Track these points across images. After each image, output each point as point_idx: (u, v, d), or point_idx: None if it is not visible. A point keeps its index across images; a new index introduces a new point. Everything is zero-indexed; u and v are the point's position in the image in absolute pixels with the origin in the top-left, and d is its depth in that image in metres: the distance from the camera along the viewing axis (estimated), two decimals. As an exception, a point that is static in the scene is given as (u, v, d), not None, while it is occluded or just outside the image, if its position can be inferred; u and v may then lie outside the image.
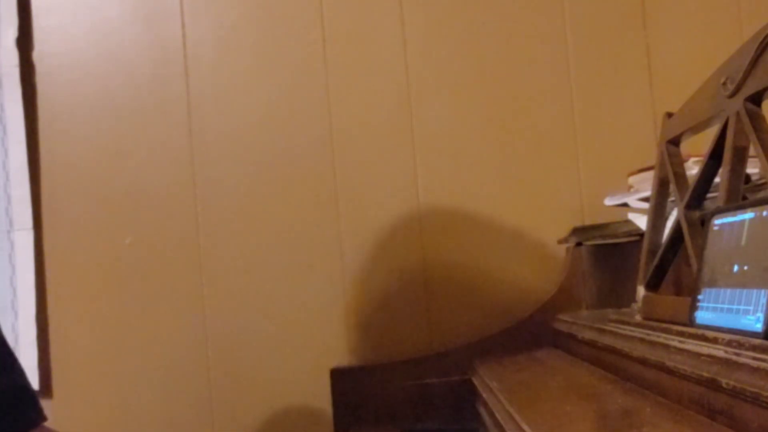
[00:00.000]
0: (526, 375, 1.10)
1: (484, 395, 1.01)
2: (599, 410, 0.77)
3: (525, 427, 0.71)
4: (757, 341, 0.57)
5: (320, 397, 1.41)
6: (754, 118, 0.70)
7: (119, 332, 1.45)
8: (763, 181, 0.82)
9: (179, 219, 1.46)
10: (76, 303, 1.46)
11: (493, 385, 0.97)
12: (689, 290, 0.74)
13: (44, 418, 0.99)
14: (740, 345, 0.58)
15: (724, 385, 0.57)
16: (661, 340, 0.74)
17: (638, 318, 0.89)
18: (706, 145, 0.80)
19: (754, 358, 0.55)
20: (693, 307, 0.70)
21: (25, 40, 1.47)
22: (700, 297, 0.70)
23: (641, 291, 0.91)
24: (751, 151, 0.71)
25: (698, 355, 0.64)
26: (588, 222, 1.39)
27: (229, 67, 1.48)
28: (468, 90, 1.46)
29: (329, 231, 1.45)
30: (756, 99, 0.71)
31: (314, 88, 1.46)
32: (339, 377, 1.39)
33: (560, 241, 1.35)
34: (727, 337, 0.61)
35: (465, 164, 1.46)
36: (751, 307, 0.59)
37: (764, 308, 0.57)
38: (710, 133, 0.80)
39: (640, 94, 1.45)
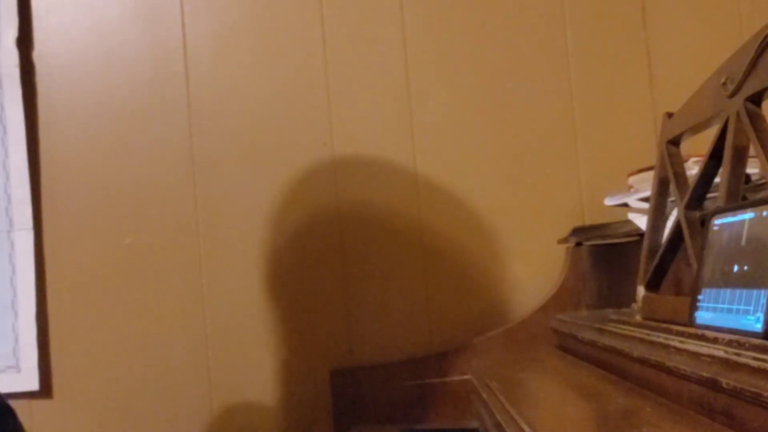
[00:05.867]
0: (526, 375, 1.10)
1: (484, 395, 1.01)
2: (599, 410, 0.77)
3: (525, 427, 0.71)
4: (757, 341, 0.57)
5: (320, 397, 1.42)
6: (754, 118, 0.70)
7: (119, 332, 1.45)
8: (763, 181, 0.82)
9: (179, 219, 1.46)
10: (76, 303, 1.46)
11: (493, 385, 0.97)
12: (689, 290, 0.74)
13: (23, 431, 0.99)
14: (740, 345, 0.58)
15: (724, 385, 0.57)
16: (661, 340, 0.74)
17: (638, 318, 0.89)
18: (706, 145, 0.80)
19: (754, 358, 0.55)
20: (693, 307, 0.70)
21: (25, 40, 1.47)
22: (700, 297, 0.70)
23: (641, 291, 0.91)
24: (751, 151, 0.71)
25: (698, 355, 0.64)
26: (588, 222, 1.39)
27: (229, 67, 1.48)
28: (468, 90, 1.46)
29: (330, 230, 1.45)
30: (756, 99, 0.71)
31: (314, 88, 1.46)
32: (339, 377, 1.39)
33: (560, 241, 1.35)
34: (727, 337, 0.61)
35: (465, 164, 1.45)
36: (751, 307, 0.59)
37: (764, 308, 0.57)
38: (710, 133, 0.80)
39: (640, 94, 1.45)
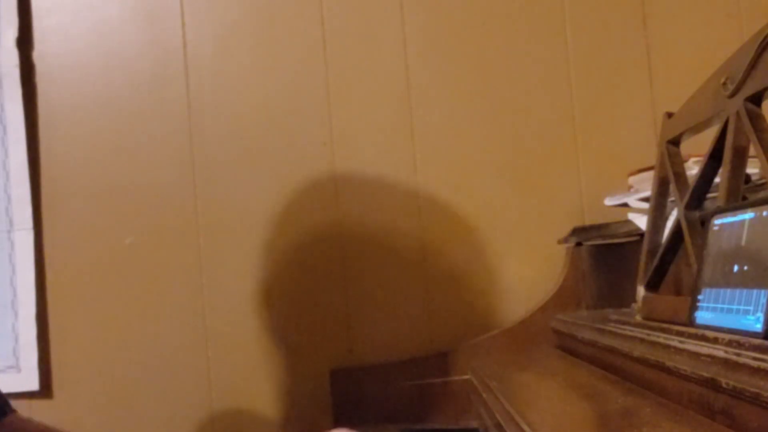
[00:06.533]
0: (526, 375, 1.10)
1: (484, 395, 1.01)
2: (599, 410, 0.77)
3: (525, 427, 0.71)
4: (757, 341, 0.57)
5: (320, 397, 1.42)
6: (754, 118, 0.70)
7: (119, 332, 1.45)
8: (763, 181, 0.82)
9: (179, 219, 1.46)
10: (76, 303, 1.46)
11: (493, 385, 0.97)
12: (689, 290, 0.74)
13: (12, 410, 1.00)
14: (740, 345, 0.58)
15: (724, 385, 0.57)
16: (661, 340, 0.74)
17: (638, 318, 0.89)
18: (706, 145, 0.80)
19: (754, 358, 0.55)
20: (693, 307, 0.70)
21: (25, 40, 1.47)
22: (700, 297, 0.70)
23: (641, 291, 0.91)
24: (751, 151, 0.71)
25: (698, 355, 0.64)
26: (588, 222, 1.39)
27: (229, 67, 1.48)
28: (468, 90, 1.46)
29: (330, 231, 1.45)
30: (756, 99, 0.71)
31: (314, 88, 1.46)
32: (339, 377, 1.39)
33: (560, 241, 1.35)
34: (727, 337, 0.61)
35: (465, 164, 1.46)
36: (751, 307, 0.59)
37: (764, 308, 0.57)
38: (710, 133, 0.80)
39: (640, 94, 1.45)
